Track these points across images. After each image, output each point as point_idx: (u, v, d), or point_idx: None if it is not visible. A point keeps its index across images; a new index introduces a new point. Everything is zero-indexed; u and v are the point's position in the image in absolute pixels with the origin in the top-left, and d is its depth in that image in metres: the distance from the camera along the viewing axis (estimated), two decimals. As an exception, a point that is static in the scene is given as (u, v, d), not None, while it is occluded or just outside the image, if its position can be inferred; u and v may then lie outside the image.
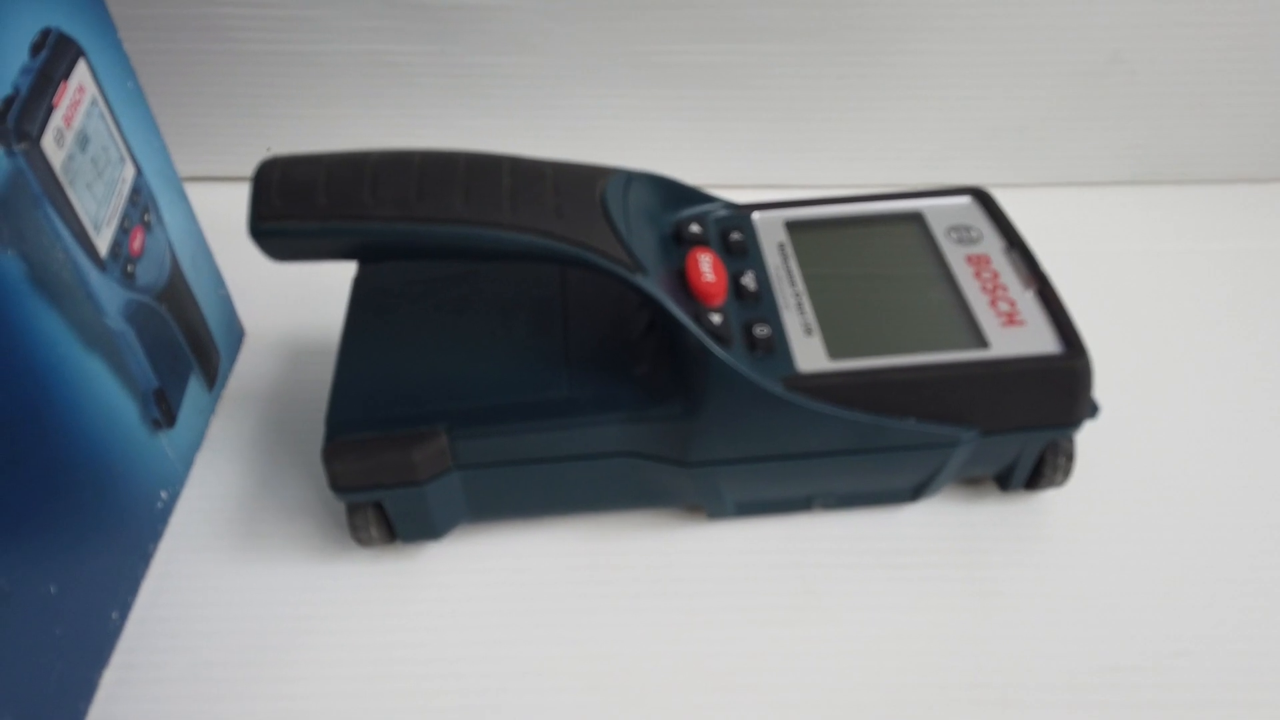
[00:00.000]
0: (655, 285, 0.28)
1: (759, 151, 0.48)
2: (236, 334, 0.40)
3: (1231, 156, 0.47)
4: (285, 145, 0.48)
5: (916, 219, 0.35)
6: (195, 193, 0.37)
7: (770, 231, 0.35)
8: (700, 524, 0.33)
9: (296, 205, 0.27)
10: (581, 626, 0.31)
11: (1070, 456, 0.32)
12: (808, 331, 0.30)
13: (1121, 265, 0.44)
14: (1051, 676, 0.29)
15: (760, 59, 0.45)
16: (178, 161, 0.36)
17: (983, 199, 0.35)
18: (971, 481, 0.34)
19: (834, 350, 0.30)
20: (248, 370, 0.40)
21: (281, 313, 0.42)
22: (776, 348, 0.30)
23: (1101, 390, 0.34)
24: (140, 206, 0.32)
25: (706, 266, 0.31)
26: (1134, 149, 0.47)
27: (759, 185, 0.48)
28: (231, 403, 0.38)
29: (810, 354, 0.30)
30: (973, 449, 0.30)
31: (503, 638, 0.30)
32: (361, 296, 0.34)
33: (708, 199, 0.35)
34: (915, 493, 0.32)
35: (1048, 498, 0.33)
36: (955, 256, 0.33)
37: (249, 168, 0.29)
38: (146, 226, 0.32)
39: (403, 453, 0.29)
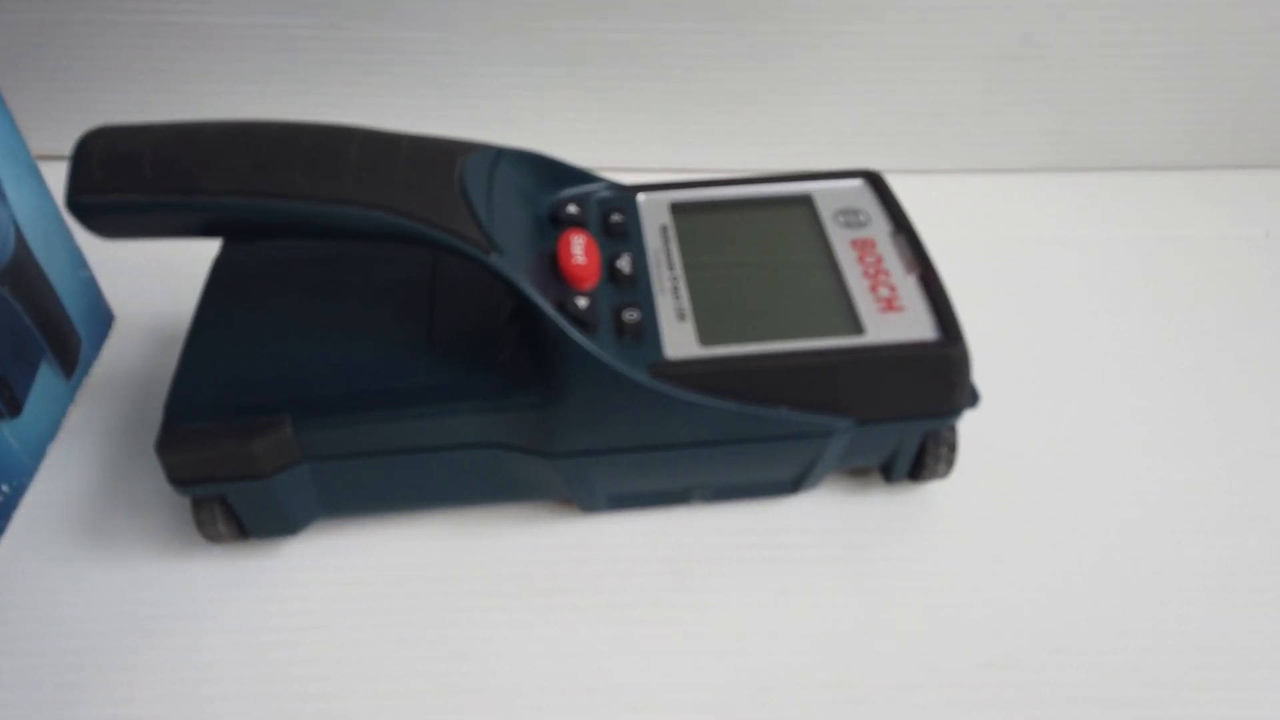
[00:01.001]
0: (511, 266, 0.27)
1: (667, 134, 0.46)
2: (103, 319, 0.38)
3: (1145, 144, 0.47)
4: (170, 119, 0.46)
5: (805, 202, 0.34)
6: (61, 171, 0.35)
7: (654, 213, 0.33)
8: (573, 518, 0.32)
9: (119, 178, 0.25)
10: (444, 625, 0.29)
11: (952, 447, 0.31)
12: (681, 317, 0.29)
13: (1030, 252, 0.43)
14: (927, 673, 0.28)
15: (669, 38, 0.43)
16: (46, 138, 0.34)
17: (874, 182, 0.34)
18: (856, 472, 0.33)
19: (705, 336, 0.28)
20: (115, 356, 0.38)
21: (155, 296, 0.39)
22: (646, 333, 0.28)
23: (995, 379, 0.33)
24: (-26, 181, 0.30)
25: (578, 249, 0.30)
26: (1048, 135, 0.46)
27: (666, 169, 0.47)
28: (94, 390, 0.36)
29: (681, 340, 0.28)
30: (849, 439, 0.29)
31: (360, 638, 0.29)
32: (219, 277, 0.32)
33: (592, 179, 0.34)
34: (795, 484, 0.31)
35: (932, 489, 0.33)
36: (840, 240, 0.32)
37: None
38: (-18, 202, 0.30)
39: (242, 443, 0.27)
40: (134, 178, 0.25)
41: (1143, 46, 0.43)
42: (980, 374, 0.30)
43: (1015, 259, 0.42)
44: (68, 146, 0.37)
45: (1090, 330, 0.39)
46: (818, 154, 0.47)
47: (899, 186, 0.35)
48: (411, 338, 0.29)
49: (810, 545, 0.31)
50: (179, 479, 0.28)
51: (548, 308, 0.27)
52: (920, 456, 0.31)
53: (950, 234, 0.36)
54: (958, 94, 0.45)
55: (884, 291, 0.30)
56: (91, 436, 0.35)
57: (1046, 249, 0.43)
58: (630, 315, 0.29)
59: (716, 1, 0.42)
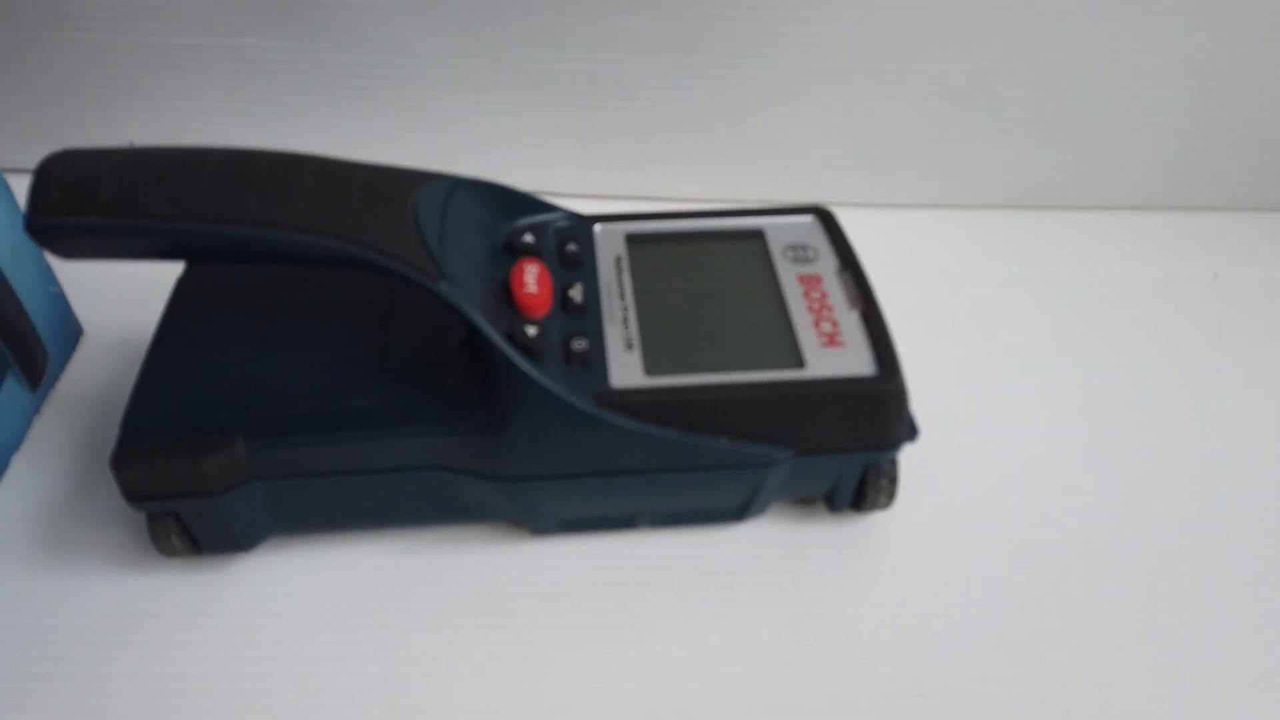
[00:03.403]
0: (458, 294, 0.27)
1: (624, 161, 0.47)
2: (71, 333, 0.39)
3: (1094, 183, 0.48)
4: (141, 139, 0.46)
5: (757, 237, 0.35)
6: None
7: (609, 244, 0.34)
8: (523, 540, 0.32)
9: (75, 201, 0.26)
10: (391, 643, 0.30)
11: (893, 479, 0.31)
12: (629, 346, 0.30)
13: (976, 287, 0.44)
14: (861, 701, 0.29)
15: (630, 68, 0.44)
16: (14, 152, 0.34)
17: (824, 218, 0.35)
18: (801, 502, 0.34)
19: (651, 366, 0.29)
20: (82, 370, 0.38)
21: (124, 312, 0.40)
22: (593, 362, 0.29)
23: (938, 412, 0.34)
24: (-59, 198, 0.31)
25: (531, 278, 0.31)
26: (997, 172, 0.47)
27: (622, 196, 0.48)
28: (60, 403, 0.37)
29: (627, 370, 0.29)
30: (790, 469, 0.30)
31: (308, 653, 0.29)
32: (182, 296, 0.33)
33: (549, 209, 0.35)
34: (740, 512, 0.32)
35: (875, 519, 0.33)
36: (788, 275, 0.33)
37: None
38: (-51, 219, 0.31)
39: (193, 461, 0.28)
40: (90, 201, 0.26)
41: (1091, 89, 0.44)
42: (923, 407, 0.31)
43: (961, 294, 0.43)
44: (36, 161, 0.38)
45: (1033, 367, 0.40)
46: (772, 183, 0.48)
47: (851, 219, 0.36)
48: (364, 360, 0.30)
49: (753, 573, 0.32)
50: (133, 495, 0.28)
51: (494, 335, 0.27)
52: (862, 488, 0.32)
53: (897, 268, 0.37)
54: (909, 130, 0.46)
55: (827, 326, 0.31)
56: (55, 449, 0.35)
57: (992, 285, 0.44)
58: (578, 344, 0.29)
59: (676, 35, 0.43)
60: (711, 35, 0.43)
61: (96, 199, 0.26)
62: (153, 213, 0.26)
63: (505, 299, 0.30)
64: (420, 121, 0.46)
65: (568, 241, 0.33)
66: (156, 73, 0.44)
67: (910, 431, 0.31)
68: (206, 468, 0.28)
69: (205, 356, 0.30)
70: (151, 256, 0.28)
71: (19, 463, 0.35)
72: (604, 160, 0.47)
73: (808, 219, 0.35)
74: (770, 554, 0.32)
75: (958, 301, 0.43)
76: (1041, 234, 0.47)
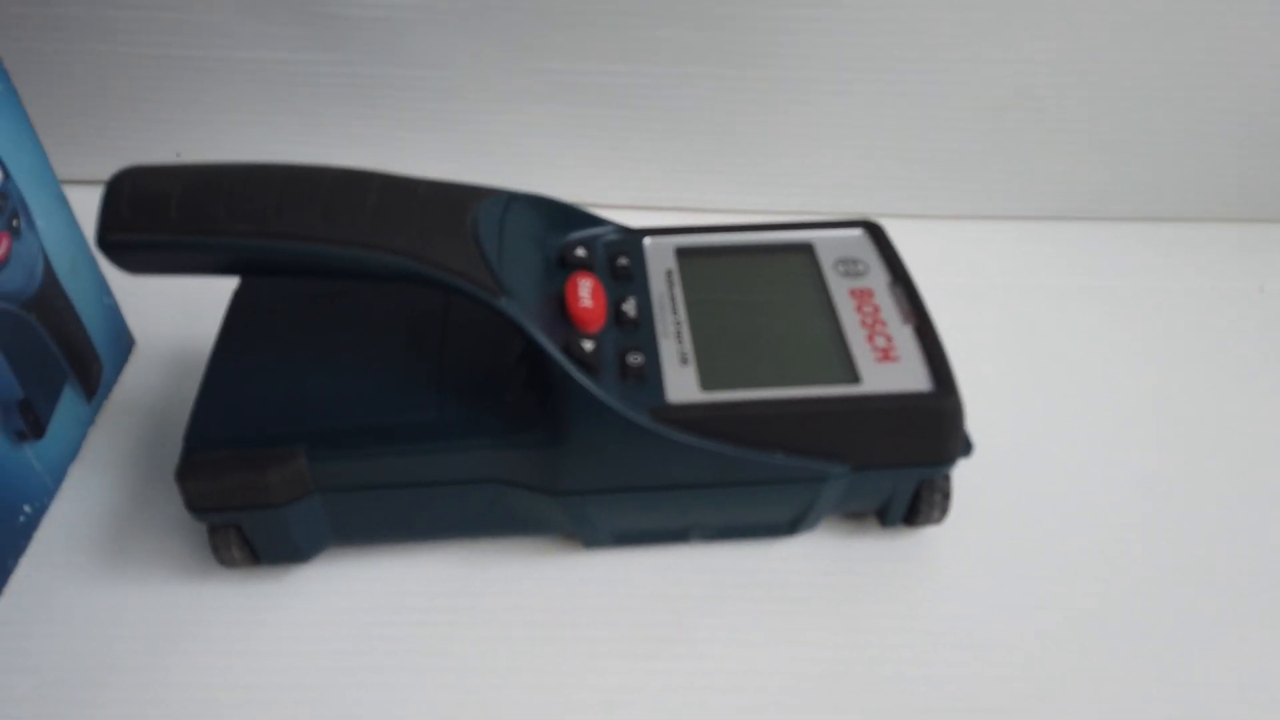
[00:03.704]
0: (519, 309, 0.28)
1: (668, 173, 0.48)
2: (124, 343, 0.39)
3: (1140, 195, 0.47)
4: (189, 152, 0.47)
5: (806, 250, 0.35)
6: (93, 197, 0.36)
7: (659, 257, 0.34)
8: (576, 553, 0.32)
9: (146, 217, 0.26)
10: (445, 654, 0.30)
11: (946, 494, 0.31)
12: (683, 361, 0.30)
13: (1023, 299, 0.44)
14: (913, 717, 0.29)
15: (671, 81, 0.44)
16: (70, 164, 0.35)
17: (874, 232, 0.35)
18: (853, 516, 0.34)
19: (706, 381, 0.29)
20: (135, 380, 0.39)
21: (175, 323, 0.41)
22: (648, 377, 0.29)
23: (989, 426, 0.34)
24: (6, 212, 0.31)
25: (585, 292, 0.31)
26: (1044, 184, 0.47)
27: (667, 208, 0.48)
28: (114, 413, 0.38)
29: (682, 384, 0.29)
30: (844, 485, 0.30)
31: (364, 665, 0.30)
32: (239, 308, 0.33)
33: (599, 222, 0.35)
34: (792, 526, 0.32)
35: (928, 534, 0.33)
36: (839, 289, 0.33)
37: None
38: (14, 233, 0.32)
39: (258, 474, 0.28)
40: (160, 217, 0.26)
41: (1137, 99, 0.44)
42: (974, 420, 0.31)
43: (1009, 306, 0.43)
44: (92, 172, 0.39)
45: (1082, 379, 0.39)
46: (815, 194, 0.48)
47: (897, 230, 0.36)
48: (423, 373, 0.30)
49: (805, 587, 0.32)
50: (197, 506, 0.29)
51: (554, 351, 0.28)
52: (915, 503, 0.32)
53: (946, 279, 0.37)
54: (955, 142, 0.46)
55: (880, 341, 0.31)
56: (111, 458, 0.36)
57: (1040, 297, 0.44)
58: (634, 359, 0.30)
59: (718, 48, 0.43)
60: (754, 48, 0.43)
61: (167, 215, 0.26)
62: (222, 229, 0.26)
63: (560, 313, 0.31)
64: (461, 134, 0.46)
65: (618, 255, 0.34)
66: (204, 86, 0.45)
67: (965, 447, 0.31)
68: (270, 480, 0.28)
69: (265, 368, 0.31)
70: (217, 272, 0.28)
71: (76, 472, 0.35)
72: (646, 172, 0.47)
73: (856, 233, 0.35)
74: (822, 569, 0.32)
75: (1004, 313, 0.43)
76: (1087, 245, 0.46)
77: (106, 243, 0.26)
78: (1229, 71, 0.43)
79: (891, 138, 0.45)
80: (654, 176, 0.47)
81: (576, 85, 0.44)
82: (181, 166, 0.27)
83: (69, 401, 0.35)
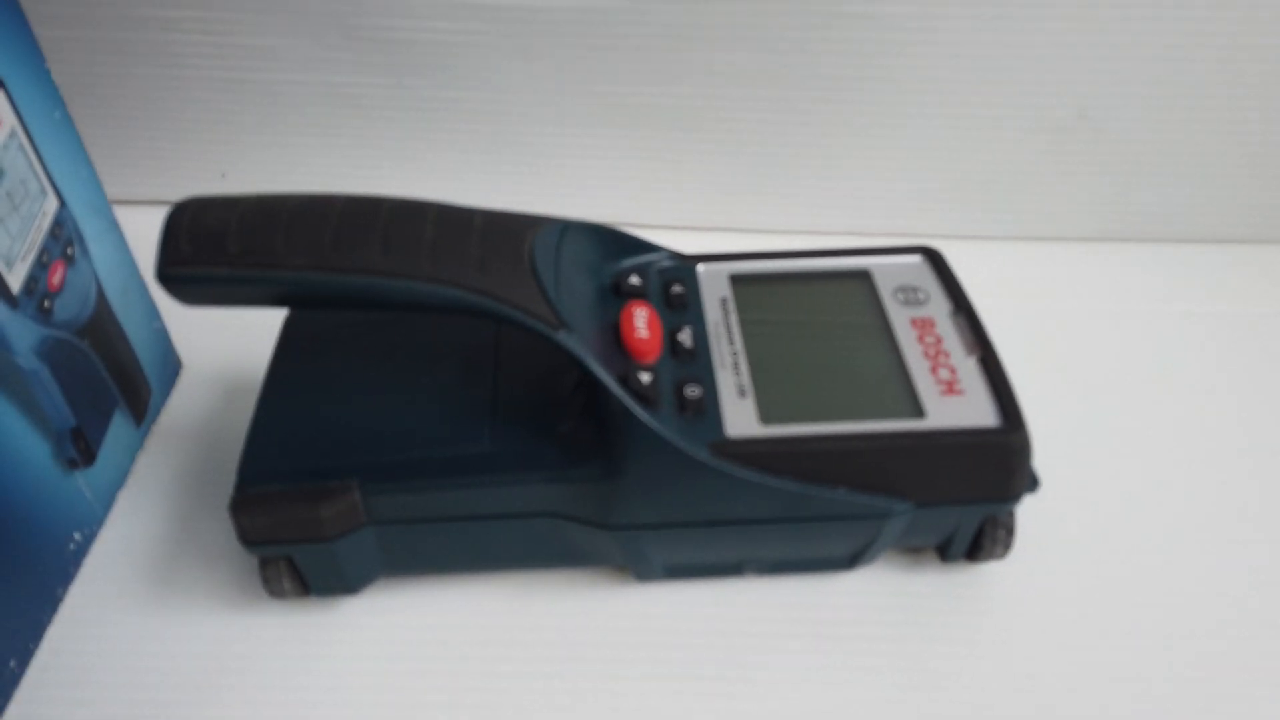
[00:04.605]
0: (579, 343, 0.27)
1: (722, 194, 0.47)
2: (172, 367, 0.39)
3: (1200, 216, 0.46)
4: (240, 171, 0.47)
5: (864, 277, 0.34)
6: (144, 217, 0.36)
7: (714, 285, 0.34)
8: (628, 585, 0.32)
9: (206, 251, 0.26)
10: (496, 690, 0.29)
11: (1010, 530, 0.31)
12: (741, 393, 0.30)
13: (1087, 323, 0.43)
14: (980, 762, 0.28)
15: (724, 103, 0.44)
16: (122, 184, 0.35)
17: (933, 259, 0.34)
18: (912, 550, 0.33)
19: (766, 415, 0.29)
20: (182, 405, 0.39)
21: (222, 346, 0.40)
22: (707, 410, 0.29)
23: (1052, 458, 0.33)
24: (62, 240, 0.31)
25: (641, 322, 0.30)
26: (1102, 205, 0.46)
27: (720, 229, 0.48)
28: (162, 438, 0.37)
29: (741, 418, 0.29)
30: (908, 520, 0.29)
31: (415, 700, 0.29)
32: (290, 338, 0.33)
33: (653, 248, 0.34)
34: (851, 561, 0.31)
35: (989, 569, 0.32)
36: (900, 318, 0.32)
37: (206, 191, 0.28)
38: (69, 260, 0.31)
39: (311, 508, 0.28)
40: (219, 252, 0.26)
41: (1199, 121, 0.43)
42: (1038, 450, 0.30)
43: (1072, 330, 0.42)
44: (144, 193, 0.39)
45: (1148, 407, 0.38)
46: (869, 215, 0.47)
47: (954, 252, 0.35)
48: (476, 404, 0.30)
49: (863, 624, 0.31)
50: (249, 539, 0.28)
51: (614, 386, 0.27)
52: (978, 538, 0.31)
53: (1006, 303, 0.37)
54: (1014, 163, 0.45)
55: (944, 373, 0.30)
56: (159, 484, 0.36)
57: (1104, 321, 0.43)
58: (692, 391, 0.29)
59: (774, 71, 0.42)
60: (810, 70, 0.42)
61: (226, 249, 0.26)
62: (281, 263, 0.26)
63: (616, 343, 0.30)
64: (515, 155, 0.46)
65: (672, 283, 0.33)
66: (255, 108, 0.45)
67: (1031, 482, 0.30)
68: (324, 514, 0.28)
69: (316, 400, 0.30)
70: (276, 304, 0.28)
71: (124, 499, 0.35)
72: (700, 193, 0.47)
73: (915, 259, 0.35)
74: (880, 605, 0.32)
75: (1063, 336, 0.42)
76: (1146, 267, 0.45)
77: (167, 276, 0.26)
78: (1292, 91, 0.42)
79: (946, 159, 0.45)
80: (707, 197, 0.47)
81: (631, 107, 0.44)
82: (239, 198, 0.27)
83: (119, 427, 0.35)
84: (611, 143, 0.45)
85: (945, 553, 0.32)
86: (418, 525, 0.29)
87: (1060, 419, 0.37)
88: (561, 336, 0.27)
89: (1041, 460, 0.31)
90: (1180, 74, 0.42)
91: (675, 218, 0.48)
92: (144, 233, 0.37)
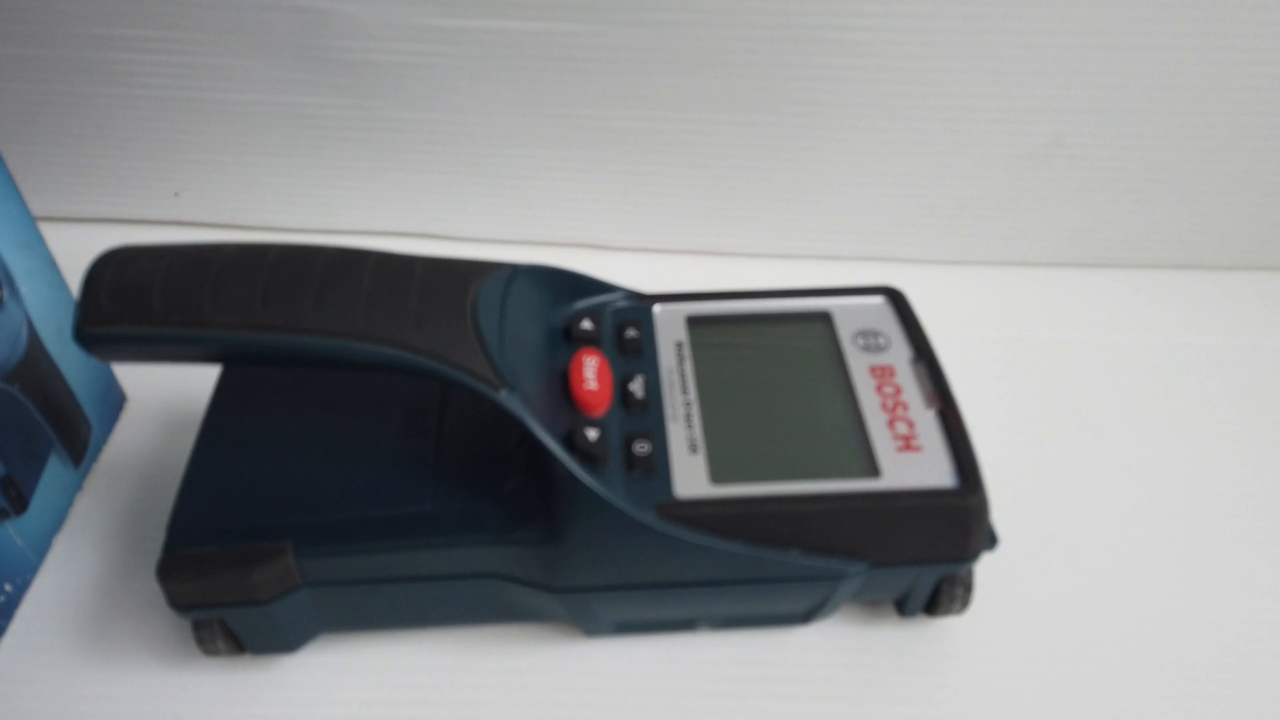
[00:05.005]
0: (520, 403, 0.26)
1: (689, 217, 0.46)
2: (115, 401, 0.38)
3: (1176, 242, 0.46)
4: (196, 191, 0.46)
5: (824, 320, 0.33)
6: (92, 235, 0.35)
7: (670, 327, 0.33)
8: (575, 641, 0.31)
9: (128, 309, 0.25)
10: (440, 753, 0.29)
11: (968, 588, 0.30)
12: (692, 449, 0.29)
13: (1053, 353, 0.42)
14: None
15: (691, 127, 0.43)
16: (80, 202, 0.33)
17: (895, 300, 0.34)
18: (870, 603, 0.32)
19: (717, 474, 0.28)
20: (125, 441, 0.38)
21: (169, 377, 0.39)
22: (656, 468, 0.28)
23: (1013, 504, 0.32)
24: (-12, 284, 0.30)
25: (591, 372, 0.29)
26: (1076, 231, 0.46)
27: (688, 251, 0.47)
28: (103, 477, 0.36)
29: (691, 476, 0.28)
30: (863, 580, 0.29)
31: (354, 763, 0.28)
32: (226, 388, 0.32)
33: (607, 288, 0.33)
34: (805, 618, 0.31)
35: (947, 623, 0.32)
36: (859, 366, 0.31)
37: (158, 210, 0.27)
38: (-4, 304, 0.30)
39: (242, 572, 0.27)
40: (143, 310, 0.25)
41: (1175, 150, 0.42)
42: (997, 498, 0.29)
43: (1037, 361, 0.41)
44: (100, 210, 0.37)
45: (1113, 446, 0.38)
46: (845, 240, 0.46)
47: (924, 277, 0.34)
48: (418, 459, 0.29)
49: (818, 681, 0.30)
50: (179, 604, 0.27)
51: (557, 449, 0.26)
52: (935, 595, 0.30)
53: (976, 330, 0.36)
54: (984, 189, 0.44)
55: (902, 427, 0.29)
56: (99, 527, 0.34)
57: (1071, 351, 0.42)
58: (641, 448, 0.28)
59: (741, 95, 0.41)
60: (780, 95, 0.41)
61: (149, 306, 0.24)
62: (208, 321, 0.24)
63: (564, 394, 0.29)
64: (478, 177, 0.45)
65: (627, 326, 0.32)
66: (206, 127, 0.43)
67: (989, 540, 0.29)
68: (255, 579, 0.27)
69: (251, 456, 0.29)
70: (205, 362, 0.27)
71: (61, 543, 0.34)
72: (668, 216, 0.45)
73: (877, 300, 0.34)
74: (836, 661, 0.31)
75: (1028, 368, 0.41)
76: (1115, 294, 0.45)
77: (85, 336, 0.25)
78: (1271, 116, 0.41)
79: (917, 183, 0.44)
80: (675, 220, 0.46)
81: (596, 130, 0.43)
82: (168, 248, 0.26)
83: (55, 470, 0.34)
84: (577, 165, 0.44)
85: (903, 607, 0.31)
86: (356, 586, 0.28)
87: (1025, 458, 0.36)
88: (502, 397, 0.26)
89: (1000, 506, 0.30)
90: (1155, 101, 0.41)
91: (642, 240, 0.47)
92: (96, 251, 0.36)
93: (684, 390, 0.30)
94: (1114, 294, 0.45)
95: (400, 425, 0.30)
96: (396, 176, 0.45)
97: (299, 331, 0.25)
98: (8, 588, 0.31)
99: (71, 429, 0.34)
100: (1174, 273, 0.46)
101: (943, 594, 0.30)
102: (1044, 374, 0.41)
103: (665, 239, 0.47)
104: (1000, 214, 0.45)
